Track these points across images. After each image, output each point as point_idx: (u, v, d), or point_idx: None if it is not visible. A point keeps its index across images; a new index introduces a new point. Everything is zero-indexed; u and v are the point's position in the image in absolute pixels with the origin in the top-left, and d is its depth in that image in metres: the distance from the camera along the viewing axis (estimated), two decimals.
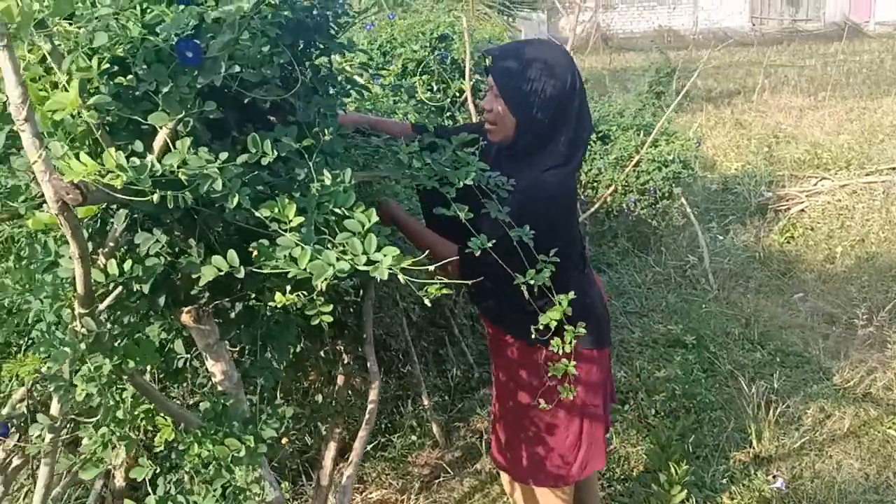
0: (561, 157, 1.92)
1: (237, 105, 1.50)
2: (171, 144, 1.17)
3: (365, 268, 1.10)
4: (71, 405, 1.31)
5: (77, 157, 1.01)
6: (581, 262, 2.10)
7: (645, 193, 4.95)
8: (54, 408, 1.25)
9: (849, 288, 4.74)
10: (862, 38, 20.12)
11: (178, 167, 1.13)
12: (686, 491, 2.52)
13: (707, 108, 10.65)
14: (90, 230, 1.23)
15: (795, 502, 2.71)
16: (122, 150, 1.19)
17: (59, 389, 1.16)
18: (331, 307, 1.20)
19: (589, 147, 5.05)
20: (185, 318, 1.50)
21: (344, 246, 1.19)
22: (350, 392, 2.51)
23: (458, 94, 4.83)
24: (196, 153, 1.18)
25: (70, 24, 1.07)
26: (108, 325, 1.26)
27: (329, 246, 1.23)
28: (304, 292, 1.18)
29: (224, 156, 1.19)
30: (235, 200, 1.15)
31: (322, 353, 2.18)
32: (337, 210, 1.28)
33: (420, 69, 4.76)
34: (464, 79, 4.67)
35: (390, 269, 1.07)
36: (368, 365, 2.09)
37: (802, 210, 5.97)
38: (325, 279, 1.09)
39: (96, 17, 1.00)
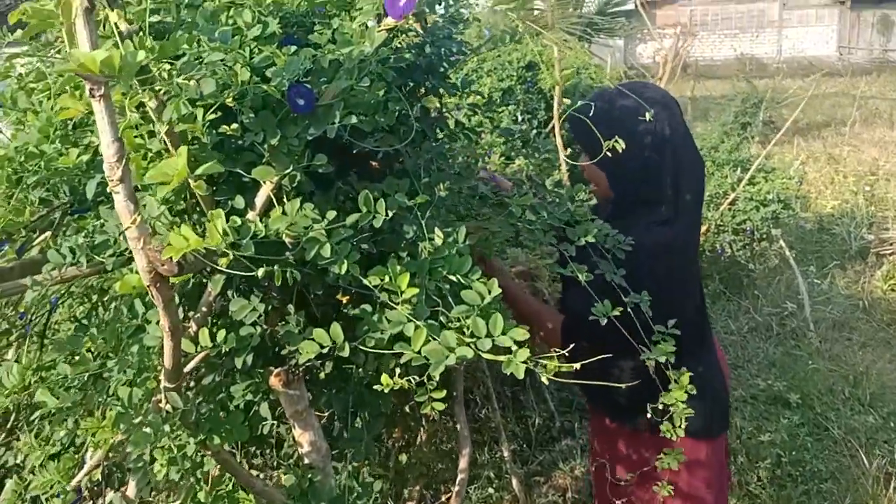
0: (667, 210, 1.72)
1: (337, 151, 1.37)
2: (274, 200, 1.04)
3: (491, 356, 0.94)
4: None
5: (176, 220, 0.89)
6: (698, 334, 1.86)
7: (740, 234, 4.67)
8: (131, 489, 1.13)
9: None
10: None
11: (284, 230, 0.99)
12: None
13: (796, 141, 10.20)
14: (181, 294, 1.11)
15: None
16: (222, 206, 1.07)
17: (138, 472, 1.04)
18: (444, 393, 1.04)
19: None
20: (274, 381, 1.36)
21: (461, 321, 1.03)
22: (433, 448, 2.34)
23: (543, 125, 4.67)
24: (303, 211, 1.05)
25: (171, 67, 0.95)
26: (192, 396, 1.13)
27: (443, 320, 1.08)
28: (414, 377, 1.02)
29: (332, 214, 1.05)
30: (344, 267, 1.01)
31: (407, 409, 2.02)
32: (451, 277, 1.12)
33: (506, 98, 4.62)
34: (550, 109, 4.51)
35: (526, 363, 0.91)
36: (458, 427, 1.92)
37: None
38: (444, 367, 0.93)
39: (205, 63, 0.88)
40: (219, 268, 0.87)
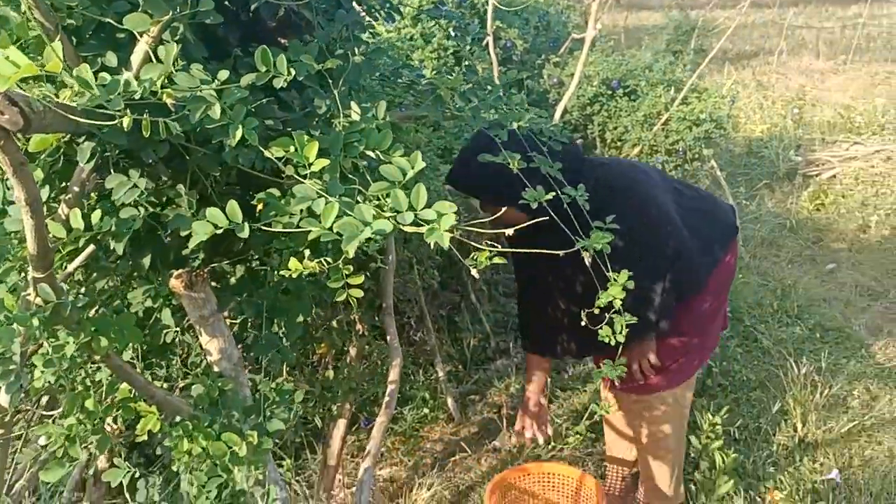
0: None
1: (238, 21, 1.20)
2: (154, 58, 0.88)
3: (413, 229, 0.82)
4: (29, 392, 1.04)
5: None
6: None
7: (673, 154, 4.64)
8: (2, 397, 0.99)
9: (885, 260, 4.47)
10: (882, 1, 19.49)
11: (163, 87, 0.84)
12: (733, 481, 2.28)
13: (727, 70, 10.27)
14: (48, 170, 0.94)
15: (847, 493, 2.48)
16: (90, 65, 0.90)
17: (8, 375, 0.89)
18: (362, 278, 0.92)
19: (615, 102, 4.73)
20: (175, 283, 1.22)
21: (381, 199, 0.91)
22: (362, 364, 2.24)
23: (476, 42, 4.49)
24: (188, 70, 0.90)
25: None
26: (75, 293, 0.98)
27: (361, 199, 0.95)
28: (328, 259, 0.89)
29: (224, 75, 0.90)
30: (238, 134, 0.87)
31: (335, 323, 1.91)
32: (370, 153, 0.99)
33: (436, 13, 4.40)
34: (484, 25, 4.33)
35: (451, 232, 0.79)
36: (388, 339, 1.82)
37: (833, 176, 5.67)
38: (359, 243, 0.80)
39: None
40: (79, 121, 0.72)
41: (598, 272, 1.36)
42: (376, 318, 2.02)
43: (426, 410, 3.08)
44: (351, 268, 0.92)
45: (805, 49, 12.40)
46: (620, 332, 1.43)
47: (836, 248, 4.70)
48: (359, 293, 0.94)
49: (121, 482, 1.21)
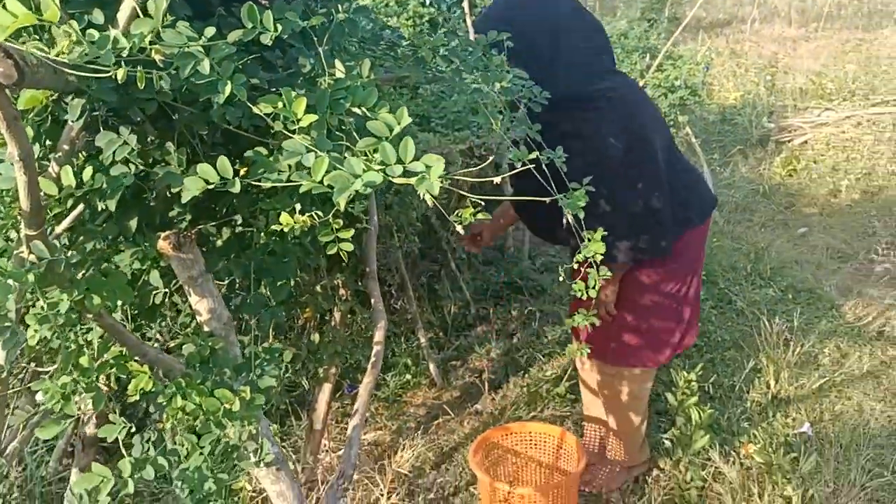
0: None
1: None
2: (141, 14, 0.89)
3: (404, 180, 0.84)
4: (23, 350, 1.05)
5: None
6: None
7: None
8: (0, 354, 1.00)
9: (855, 223, 4.57)
10: None
11: (152, 43, 0.85)
12: (708, 436, 2.35)
13: (701, 38, 10.32)
14: (38, 128, 0.95)
15: (818, 446, 2.56)
16: (77, 22, 0.91)
17: (4, 332, 0.91)
18: (351, 232, 0.95)
19: None
20: (163, 245, 1.23)
21: (368, 154, 0.93)
22: (345, 330, 2.27)
23: (454, 5, 4.47)
24: (174, 27, 0.90)
25: None
26: (67, 252, 1.00)
27: (349, 154, 0.97)
28: (318, 213, 0.91)
29: (211, 31, 0.91)
30: (228, 90, 0.88)
31: (319, 288, 1.93)
32: (356, 110, 1.01)
33: None
34: None
35: (440, 180, 0.82)
36: (373, 302, 1.84)
37: (805, 142, 5.75)
38: (350, 195, 0.82)
39: None
40: (71, 72, 0.73)
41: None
42: (359, 284, 2.04)
43: (409, 376, 3.12)
44: (340, 222, 0.95)
45: (777, 17, 12.49)
46: (594, 287, 1.47)
47: (807, 213, 4.79)
48: (349, 247, 0.96)
49: (115, 446, 1.23)
